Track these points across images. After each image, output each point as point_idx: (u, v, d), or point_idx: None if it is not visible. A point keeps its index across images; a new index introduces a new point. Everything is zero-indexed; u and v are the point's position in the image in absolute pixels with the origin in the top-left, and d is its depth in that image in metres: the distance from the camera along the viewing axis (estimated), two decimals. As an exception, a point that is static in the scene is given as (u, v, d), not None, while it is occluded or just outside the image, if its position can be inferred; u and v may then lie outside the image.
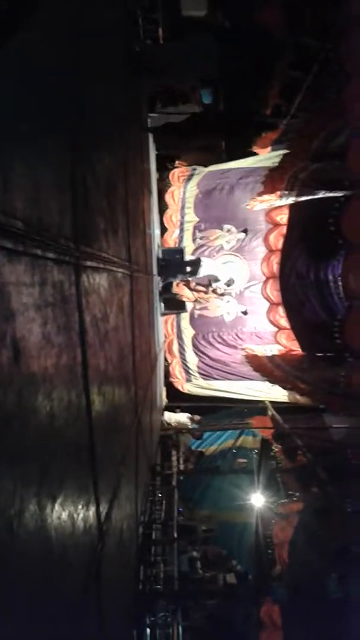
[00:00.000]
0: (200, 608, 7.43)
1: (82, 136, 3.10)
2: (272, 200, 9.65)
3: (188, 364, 12.16)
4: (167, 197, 12.06)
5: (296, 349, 10.48)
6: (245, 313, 11.73)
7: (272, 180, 9.86)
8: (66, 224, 2.50)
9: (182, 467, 10.20)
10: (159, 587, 6.44)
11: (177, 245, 11.96)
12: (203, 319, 12.05)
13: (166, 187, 12.08)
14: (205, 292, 11.28)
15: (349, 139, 6.15)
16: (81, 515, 2.50)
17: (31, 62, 2.10)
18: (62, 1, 2.83)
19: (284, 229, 10.57)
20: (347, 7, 5.77)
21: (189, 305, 11.69)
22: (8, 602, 1.57)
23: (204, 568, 8.36)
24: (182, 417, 11.58)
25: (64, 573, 2.24)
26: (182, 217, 12.10)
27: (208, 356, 12.01)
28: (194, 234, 12.07)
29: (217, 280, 11.16)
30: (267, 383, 11.08)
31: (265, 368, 10.83)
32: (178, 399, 12.17)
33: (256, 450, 10.82)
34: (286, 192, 8.71)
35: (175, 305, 11.38)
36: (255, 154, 11.54)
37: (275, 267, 10.87)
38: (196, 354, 12.09)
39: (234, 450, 11.06)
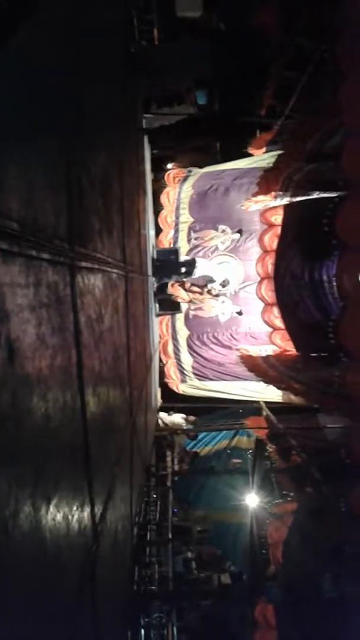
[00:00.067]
0: (194, 608, 7.43)
1: (77, 137, 3.10)
2: (267, 200, 9.66)
3: (183, 365, 12.16)
4: (162, 198, 12.07)
5: (291, 349, 10.49)
6: (240, 313, 11.74)
7: (267, 181, 9.86)
8: (61, 224, 2.49)
9: (176, 467, 10.20)
10: (153, 587, 6.44)
11: (172, 245, 11.97)
12: (198, 320, 12.05)
13: (161, 188, 12.09)
14: (200, 293, 11.29)
15: (343, 139, 6.16)
16: (76, 516, 2.50)
17: (26, 63, 2.10)
18: (60, 2, 2.83)
19: (278, 230, 10.58)
20: (343, 7, 5.78)
21: (184, 306, 11.69)
22: (3, 602, 1.57)
23: (198, 568, 8.36)
24: (177, 418, 11.59)
25: (58, 574, 2.24)
26: (177, 217, 12.10)
27: (203, 357, 12.01)
28: (188, 234, 12.07)
29: (212, 280, 11.16)
30: (261, 383, 11.09)
31: (259, 368, 10.83)
32: (173, 400, 12.17)
33: (251, 451, 10.83)
34: (281, 193, 8.71)
35: (170, 306, 11.38)
36: (250, 154, 11.57)
37: (270, 268, 10.88)
38: (191, 354, 12.09)
39: (229, 451, 11.06)
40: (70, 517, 2.38)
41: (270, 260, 10.94)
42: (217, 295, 11.40)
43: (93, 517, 2.96)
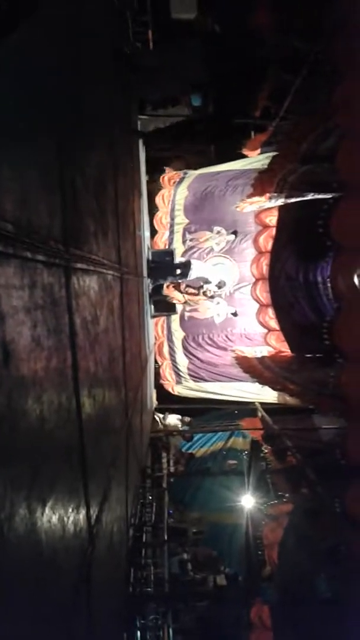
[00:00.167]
0: (190, 610, 7.43)
1: (71, 138, 3.10)
2: (262, 202, 9.67)
3: (178, 366, 12.16)
4: (157, 199, 12.07)
5: (285, 350, 10.49)
6: (235, 315, 11.75)
7: (262, 182, 9.88)
8: (56, 226, 2.49)
9: (172, 469, 10.20)
10: (149, 589, 6.44)
11: (167, 247, 11.96)
12: (193, 321, 12.05)
13: (156, 189, 12.09)
14: (195, 294, 11.29)
15: (338, 141, 6.18)
16: (71, 518, 2.50)
17: (22, 63, 2.10)
18: (57, 2, 2.83)
19: (273, 231, 10.59)
20: (337, 8, 5.80)
21: (179, 307, 11.69)
22: (-2, 606, 1.57)
23: (194, 570, 8.36)
24: (173, 419, 11.59)
25: (54, 576, 2.23)
26: (172, 219, 12.10)
27: (198, 358, 12.01)
28: (183, 235, 12.07)
29: (207, 282, 11.17)
30: (257, 384, 11.10)
31: (255, 369, 10.84)
32: (168, 401, 12.18)
33: (246, 452, 10.83)
34: (275, 195, 8.73)
35: (165, 307, 11.37)
36: (244, 156, 11.59)
37: (265, 269, 10.89)
38: (186, 355, 12.09)
39: (224, 452, 11.06)
40: (65, 519, 2.38)
41: (265, 262, 10.95)
42: (212, 297, 11.41)
43: (89, 518, 2.96)
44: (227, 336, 11.85)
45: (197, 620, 7.36)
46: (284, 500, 9.45)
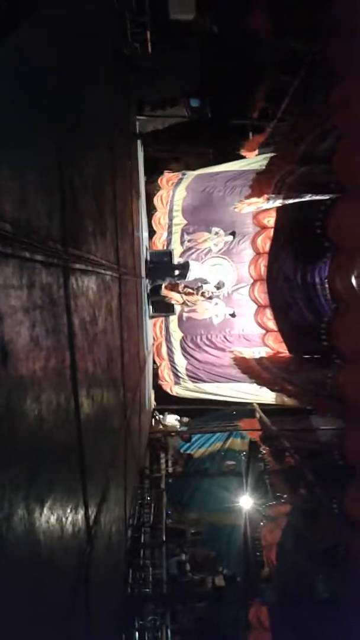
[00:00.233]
0: (189, 611, 7.42)
1: (70, 138, 3.10)
2: (260, 203, 9.68)
3: (177, 367, 12.16)
4: (156, 200, 12.07)
5: (283, 351, 10.51)
6: (233, 315, 11.76)
7: (260, 183, 9.89)
8: (54, 226, 2.49)
9: (170, 469, 10.19)
10: (147, 590, 6.43)
11: (165, 248, 11.96)
12: (191, 322, 12.06)
13: (155, 190, 12.09)
14: (193, 295, 11.29)
15: (335, 142, 6.19)
16: (70, 518, 2.49)
17: (21, 63, 2.10)
18: (58, 2, 2.83)
19: (271, 232, 10.60)
20: (334, 10, 5.81)
21: (177, 308, 11.69)
22: (-3, 606, 1.57)
23: (192, 571, 8.35)
24: (171, 420, 11.60)
25: (52, 576, 2.23)
26: (171, 219, 12.10)
27: (196, 359, 12.02)
28: (182, 236, 12.07)
29: (206, 282, 11.17)
30: (255, 385, 11.11)
31: (253, 370, 10.85)
32: (167, 402, 12.18)
33: (244, 453, 10.84)
34: (273, 196, 8.74)
35: (163, 307, 11.38)
36: (242, 157, 11.60)
37: (263, 270, 10.90)
38: (185, 356, 12.09)
39: (223, 453, 11.07)
40: (64, 519, 2.38)
41: (263, 263, 10.96)
42: (210, 298, 11.41)
43: (87, 519, 2.95)
44: (225, 337, 11.86)
45: (195, 621, 7.35)
46: (282, 501, 9.45)
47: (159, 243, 12.11)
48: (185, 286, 11.12)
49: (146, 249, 10.89)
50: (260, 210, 10.71)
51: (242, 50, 8.32)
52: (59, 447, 2.38)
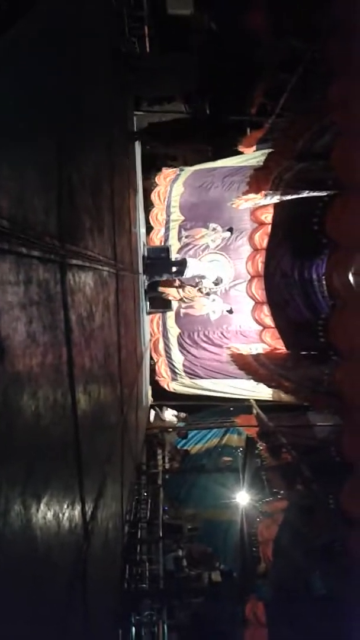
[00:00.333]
0: (185, 606, 7.43)
1: (68, 135, 3.08)
2: (257, 199, 9.67)
3: (174, 363, 12.16)
4: (153, 196, 12.05)
5: (281, 347, 10.52)
6: (230, 312, 11.75)
7: (257, 179, 9.87)
8: (51, 222, 2.49)
9: (167, 465, 10.20)
10: (144, 585, 6.44)
11: (162, 243, 11.95)
12: (189, 318, 12.05)
13: (152, 186, 12.07)
14: (191, 291, 11.28)
15: (333, 138, 6.18)
16: (67, 514, 2.50)
17: (18, 60, 2.09)
18: (57, 2, 2.82)
19: (268, 228, 10.59)
20: (333, 7, 5.79)
21: (175, 304, 11.69)
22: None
23: (189, 566, 8.36)
24: (168, 415, 11.61)
25: (49, 572, 2.23)
26: (168, 215, 12.08)
27: (194, 355, 12.02)
28: (179, 232, 12.05)
29: (204, 278, 11.16)
30: (252, 381, 11.12)
31: (250, 367, 10.86)
32: (164, 398, 12.19)
33: (241, 449, 10.85)
34: (271, 192, 8.73)
35: (160, 304, 11.38)
36: (240, 152, 11.58)
37: (260, 266, 10.90)
38: (182, 352, 12.10)
39: (219, 449, 11.08)
40: (61, 515, 2.38)
41: (260, 259, 10.95)
42: (207, 294, 11.41)
43: (84, 515, 2.96)
44: (222, 333, 11.86)
45: (192, 617, 7.36)
46: (279, 497, 9.47)
47: (157, 239, 12.10)
48: (182, 282, 11.11)
49: (143, 245, 10.87)
50: (257, 207, 10.70)
51: (240, 48, 8.31)
52: (55, 443, 2.37)
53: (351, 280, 5.74)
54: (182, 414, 11.68)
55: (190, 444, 11.24)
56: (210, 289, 11.26)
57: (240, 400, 11.78)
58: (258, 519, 9.41)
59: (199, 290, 11.12)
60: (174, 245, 11.90)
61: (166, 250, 11.24)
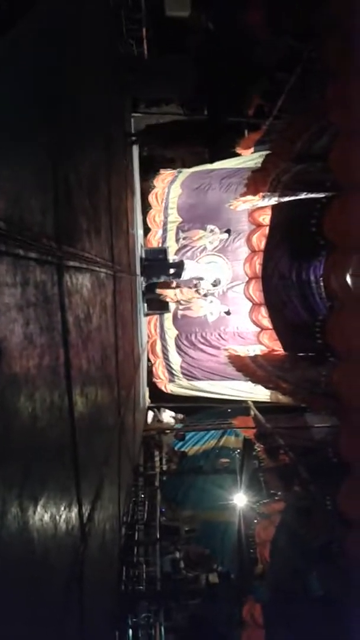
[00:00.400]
0: (182, 608, 7.43)
1: (65, 136, 3.08)
2: (255, 201, 9.68)
3: (171, 365, 12.16)
4: (151, 198, 12.05)
5: (278, 349, 10.52)
6: (228, 313, 11.76)
7: (255, 181, 9.87)
8: (48, 223, 2.48)
9: (165, 467, 10.20)
10: (141, 587, 6.44)
11: (160, 245, 11.95)
12: (186, 319, 12.05)
13: (150, 188, 12.07)
14: (188, 293, 11.28)
15: (331, 140, 6.18)
16: (63, 516, 2.49)
17: (15, 60, 2.09)
18: (56, 3, 2.82)
19: (266, 230, 10.60)
20: (330, 7, 5.79)
21: (172, 306, 11.68)
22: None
23: (186, 568, 8.37)
24: (166, 416, 11.60)
25: (46, 574, 2.23)
26: (166, 217, 12.09)
27: (191, 356, 12.01)
28: (177, 234, 12.06)
29: (202, 280, 11.16)
30: (249, 383, 11.12)
31: (247, 368, 10.85)
32: (161, 400, 12.18)
33: (239, 450, 10.84)
34: (269, 193, 8.73)
35: (158, 305, 11.37)
36: (238, 154, 11.59)
37: (258, 268, 10.90)
38: (179, 354, 12.09)
39: (217, 450, 11.06)
40: (57, 517, 2.37)
41: (258, 260, 10.96)
42: (205, 295, 11.41)
43: (81, 517, 2.95)
44: (220, 335, 11.86)
45: (189, 619, 7.37)
46: (276, 498, 9.47)
47: (154, 241, 12.10)
48: (179, 284, 11.10)
49: (141, 246, 10.87)
50: (255, 208, 10.71)
51: (238, 47, 8.32)
52: (52, 445, 2.37)
53: (349, 282, 5.74)
54: (180, 416, 11.68)
55: (188, 446, 11.22)
56: (207, 290, 11.26)
57: (238, 401, 11.77)
58: (255, 521, 9.40)
59: (197, 291, 11.12)
60: (172, 246, 11.90)
61: (164, 251, 11.25)
